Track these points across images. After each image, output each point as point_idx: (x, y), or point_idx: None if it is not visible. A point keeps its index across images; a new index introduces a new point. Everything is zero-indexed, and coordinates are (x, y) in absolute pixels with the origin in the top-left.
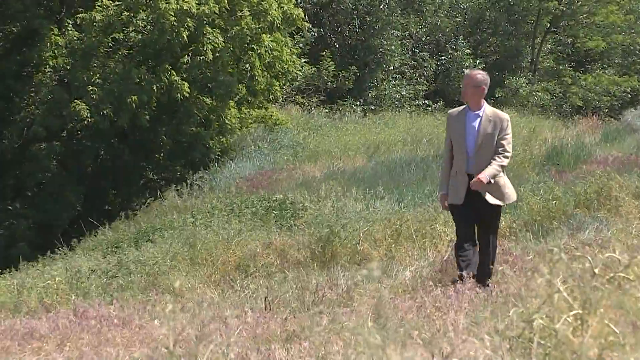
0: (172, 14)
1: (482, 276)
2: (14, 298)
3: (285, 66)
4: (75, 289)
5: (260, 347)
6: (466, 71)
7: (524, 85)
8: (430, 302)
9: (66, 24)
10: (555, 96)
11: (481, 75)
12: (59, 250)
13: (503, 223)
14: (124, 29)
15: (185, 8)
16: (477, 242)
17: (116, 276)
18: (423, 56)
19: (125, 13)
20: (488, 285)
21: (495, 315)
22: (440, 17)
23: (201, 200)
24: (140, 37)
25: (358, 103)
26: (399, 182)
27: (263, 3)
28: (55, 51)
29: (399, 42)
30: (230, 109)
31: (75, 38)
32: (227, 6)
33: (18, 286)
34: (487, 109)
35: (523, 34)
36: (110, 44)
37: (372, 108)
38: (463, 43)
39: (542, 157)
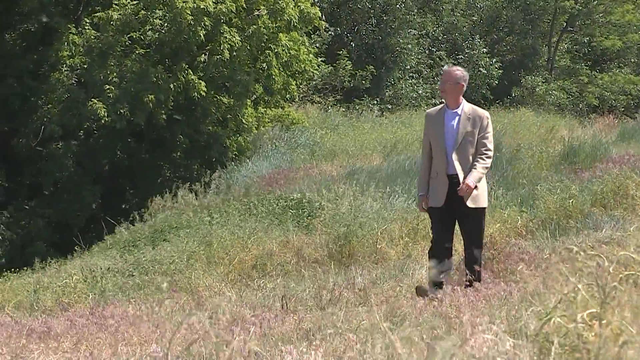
0: (189, 12)
1: (472, 279)
2: (30, 297)
3: (302, 65)
4: (92, 288)
5: (277, 346)
6: (445, 67)
7: (540, 84)
8: (447, 301)
9: (83, 23)
10: (571, 95)
11: (460, 71)
12: (76, 249)
13: (520, 222)
14: (140, 27)
15: (202, 7)
16: (452, 250)
17: (133, 275)
18: (440, 55)
19: (142, 12)
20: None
21: (512, 314)
22: (456, 16)
23: (218, 199)
24: (157, 36)
25: (375, 102)
26: (416, 180)
27: (280, 2)
28: (73, 50)
29: (416, 41)
30: (247, 108)
31: (92, 37)
32: (244, 5)
33: (35, 285)
34: (465, 107)
35: (539, 33)
36: (127, 43)
37: (389, 107)
38: (479, 42)
39: (559, 156)
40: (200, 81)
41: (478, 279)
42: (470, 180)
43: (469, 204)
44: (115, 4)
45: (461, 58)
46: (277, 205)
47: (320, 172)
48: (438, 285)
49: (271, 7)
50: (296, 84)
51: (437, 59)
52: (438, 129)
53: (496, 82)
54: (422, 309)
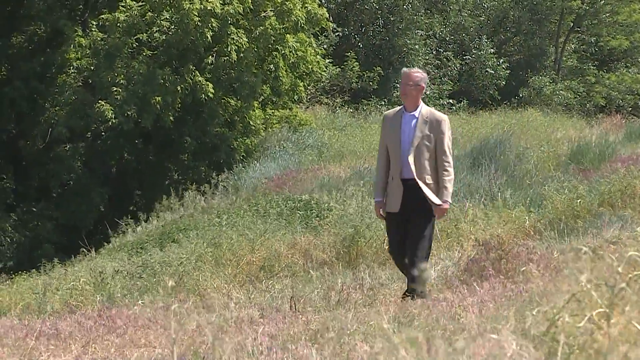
0: (196, 14)
1: (414, 290)
2: (38, 299)
3: (310, 66)
4: (100, 290)
5: (285, 347)
6: (404, 69)
7: (547, 84)
8: (456, 302)
9: (90, 25)
10: (578, 95)
11: (420, 73)
12: (84, 251)
13: (528, 222)
14: (147, 29)
15: (209, 8)
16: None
17: (141, 277)
18: (447, 56)
19: (149, 14)
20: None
21: (520, 314)
22: (464, 17)
23: (226, 201)
24: (164, 37)
25: (383, 103)
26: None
27: (287, 3)
28: (79, 52)
29: (423, 42)
30: (254, 110)
31: (99, 39)
32: (251, 6)
33: (43, 287)
34: (423, 110)
35: (546, 33)
36: (134, 45)
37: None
38: (487, 42)
39: (566, 155)
40: (208, 83)
41: (418, 291)
42: (446, 204)
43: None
44: (122, 6)
45: (468, 58)
46: (285, 206)
47: (328, 173)
48: (409, 291)
49: (278, 8)
50: (304, 86)
51: (445, 59)
52: (395, 132)
53: (503, 82)
54: (430, 309)
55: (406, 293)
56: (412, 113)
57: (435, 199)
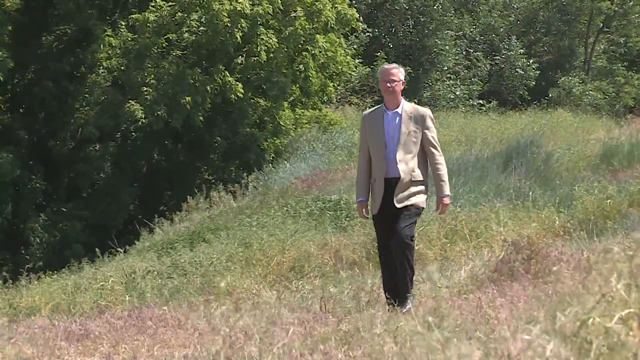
0: (226, 14)
1: (401, 300)
2: (68, 299)
3: (340, 67)
4: (130, 290)
5: (316, 348)
6: (383, 66)
7: (577, 84)
8: (486, 302)
9: (120, 25)
10: (608, 95)
11: (400, 68)
12: (114, 251)
13: (558, 222)
14: (177, 29)
15: (238, 9)
16: None
17: (171, 277)
18: (477, 56)
19: (179, 14)
20: (408, 307)
21: (551, 315)
22: (494, 17)
23: (256, 201)
24: (193, 37)
25: (413, 103)
26: (454, 181)
27: (317, 3)
28: (109, 52)
29: (453, 42)
30: (284, 110)
31: (129, 39)
32: (280, 7)
33: (73, 287)
34: (405, 106)
35: (576, 34)
36: (163, 45)
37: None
38: (516, 43)
39: (596, 156)
40: (237, 83)
41: (406, 299)
42: (447, 198)
43: (402, 204)
44: (152, 6)
45: (498, 59)
46: (315, 206)
47: None
48: (391, 297)
49: (308, 8)
50: (333, 86)
51: (474, 59)
52: (378, 132)
53: (533, 83)
54: (461, 309)
55: (387, 296)
56: (394, 111)
57: (420, 200)
